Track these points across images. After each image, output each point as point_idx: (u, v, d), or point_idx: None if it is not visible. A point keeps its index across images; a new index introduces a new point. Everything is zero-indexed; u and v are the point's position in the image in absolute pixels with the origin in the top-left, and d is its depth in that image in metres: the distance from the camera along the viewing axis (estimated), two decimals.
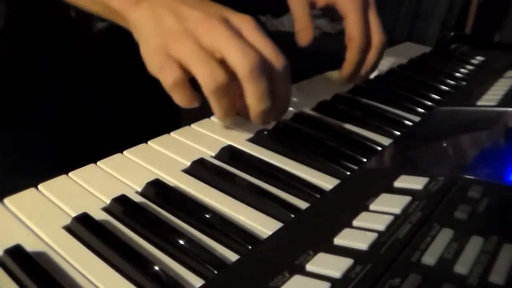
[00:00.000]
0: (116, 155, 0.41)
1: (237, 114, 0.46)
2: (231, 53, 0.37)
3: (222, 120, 0.44)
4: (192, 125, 0.47)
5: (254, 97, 0.39)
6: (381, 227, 0.29)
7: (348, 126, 0.50)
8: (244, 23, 0.39)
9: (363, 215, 0.31)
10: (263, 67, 0.38)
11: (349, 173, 0.40)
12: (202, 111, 0.44)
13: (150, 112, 0.69)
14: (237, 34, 0.38)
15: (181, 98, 0.40)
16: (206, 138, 0.45)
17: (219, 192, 0.37)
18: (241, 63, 0.37)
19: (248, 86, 0.39)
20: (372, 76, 0.66)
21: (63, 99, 0.64)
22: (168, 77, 0.39)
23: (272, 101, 0.40)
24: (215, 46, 0.38)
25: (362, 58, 0.55)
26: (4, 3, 0.54)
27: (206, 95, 0.39)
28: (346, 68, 0.56)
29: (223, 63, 0.38)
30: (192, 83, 0.40)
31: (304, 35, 0.56)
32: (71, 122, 0.68)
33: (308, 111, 0.53)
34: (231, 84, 0.38)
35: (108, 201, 0.35)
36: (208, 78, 0.38)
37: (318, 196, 0.36)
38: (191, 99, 0.40)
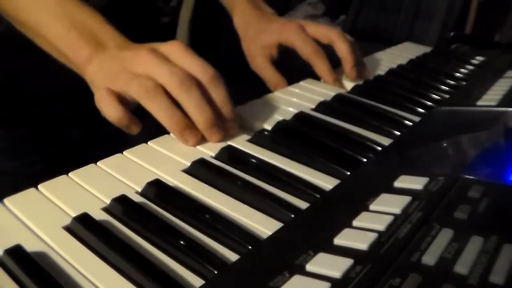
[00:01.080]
0: (116, 155, 0.41)
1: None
2: (160, 75, 0.41)
3: (177, 136, 0.43)
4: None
5: (192, 108, 0.41)
6: (381, 227, 0.29)
7: (348, 126, 0.50)
8: (171, 48, 0.43)
9: (363, 215, 0.31)
10: (191, 79, 0.41)
11: (349, 173, 0.40)
12: None
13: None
14: (164, 59, 0.42)
15: (107, 110, 0.42)
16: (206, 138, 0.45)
17: (219, 192, 0.37)
18: (170, 81, 0.41)
19: (183, 99, 0.41)
20: (371, 75, 0.66)
21: (61, 98, 0.64)
22: (97, 96, 0.43)
23: (212, 109, 0.42)
24: (147, 73, 0.41)
25: (327, 64, 0.60)
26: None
27: (143, 106, 0.41)
28: (327, 79, 0.61)
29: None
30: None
31: (280, 88, 0.61)
32: (69, 121, 0.68)
33: (308, 111, 0.53)
34: (161, 89, 0.41)
35: (108, 201, 0.35)
36: (138, 88, 0.41)
37: (318, 196, 0.36)
38: (118, 113, 0.41)
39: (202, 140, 0.44)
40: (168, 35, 0.73)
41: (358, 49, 0.63)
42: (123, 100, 0.42)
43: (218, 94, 0.43)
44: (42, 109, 0.64)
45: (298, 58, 0.61)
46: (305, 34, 0.61)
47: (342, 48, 0.61)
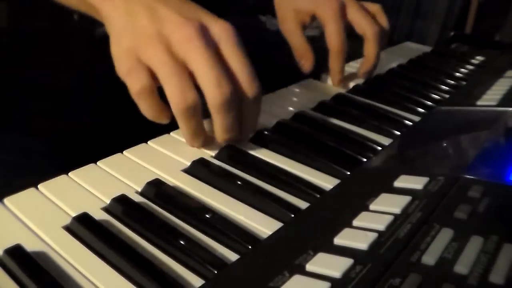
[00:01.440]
0: (116, 155, 0.41)
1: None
2: (204, 79, 0.36)
3: (189, 142, 0.42)
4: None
5: (220, 128, 0.39)
6: (381, 227, 0.29)
7: (348, 126, 0.50)
8: (223, 33, 0.37)
9: (363, 215, 0.31)
10: (234, 100, 0.37)
11: (349, 173, 0.40)
12: (203, 112, 0.44)
13: None
14: (213, 51, 0.36)
15: (147, 107, 0.38)
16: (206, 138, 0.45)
17: (219, 192, 0.37)
18: (213, 94, 0.36)
19: (216, 118, 0.38)
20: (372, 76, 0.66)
21: (64, 100, 0.64)
22: (135, 83, 0.36)
23: (238, 128, 0.40)
24: (188, 60, 0.36)
25: (343, 64, 0.58)
26: (5, 3, 0.54)
27: (174, 114, 0.37)
28: (333, 78, 0.60)
29: (193, 77, 0.37)
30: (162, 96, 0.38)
31: (304, 62, 0.59)
32: (72, 123, 0.68)
33: (308, 111, 0.53)
34: (199, 107, 0.37)
35: (108, 201, 0.35)
36: (178, 97, 0.36)
37: (318, 196, 0.36)
38: (157, 111, 0.38)
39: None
40: None
41: (380, 54, 0.61)
42: (150, 74, 0.36)
43: (252, 116, 0.40)
44: (47, 111, 0.64)
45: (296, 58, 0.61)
46: (341, 20, 0.56)
47: (372, 51, 0.59)
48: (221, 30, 0.37)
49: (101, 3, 0.38)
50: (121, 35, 0.37)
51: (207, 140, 0.42)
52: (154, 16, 0.36)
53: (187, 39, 0.35)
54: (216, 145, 0.42)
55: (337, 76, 0.59)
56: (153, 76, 0.36)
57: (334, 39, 0.57)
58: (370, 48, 0.59)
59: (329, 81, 0.63)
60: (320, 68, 0.66)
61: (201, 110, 0.37)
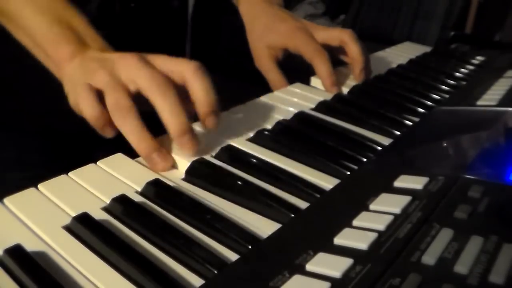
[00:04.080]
0: (116, 155, 0.41)
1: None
2: (141, 78, 0.40)
3: (142, 155, 0.41)
4: (192, 125, 0.47)
5: (165, 111, 0.40)
6: (381, 227, 0.29)
7: (348, 126, 0.50)
8: (157, 55, 0.43)
9: (363, 215, 0.31)
10: (168, 82, 0.40)
11: (349, 173, 0.40)
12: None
13: (152, 113, 0.69)
14: (148, 63, 0.41)
15: (85, 106, 0.41)
16: (206, 138, 0.45)
17: (219, 192, 0.37)
18: (149, 85, 0.40)
19: (157, 102, 0.40)
20: (371, 75, 0.66)
21: (64, 100, 0.64)
22: (78, 93, 0.41)
23: (187, 116, 0.41)
24: (129, 77, 0.41)
25: (331, 67, 0.60)
26: None
27: (113, 120, 0.40)
28: (325, 82, 0.60)
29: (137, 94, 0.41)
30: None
31: None
32: (72, 123, 0.68)
33: (308, 111, 0.53)
34: (134, 111, 0.40)
35: (108, 201, 0.35)
36: (112, 102, 0.40)
37: (318, 196, 0.36)
38: (95, 110, 0.40)
39: (172, 166, 0.41)
40: (177, 20, 0.72)
41: (366, 51, 0.63)
42: (102, 99, 0.41)
43: (201, 84, 0.42)
44: (48, 112, 0.64)
45: (298, 58, 0.61)
46: (314, 40, 0.60)
47: (355, 50, 0.61)
48: (156, 55, 0.43)
49: (63, 66, 0.44)
50: (76, 83, 0.42)
51: (166, 161, 0.41)
52: (101, 60, 0.43)
53: (126, 64, 0.42)
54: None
55: (328, 79, 0.60)
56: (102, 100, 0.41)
57: (308, 48, 0.60)
58: (352, 47, 0.61)
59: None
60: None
61: (137, 113, 0.40)
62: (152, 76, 0.40)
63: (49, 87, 0.63)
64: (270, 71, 0.64)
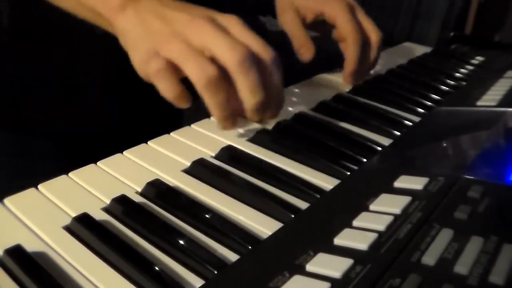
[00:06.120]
0: (116, 155, 0.41)
1: (235, 115, 0.45)
2: (219, 48, 0.38)
3: (221, 123, 0.42)
4: (192, 125, 0.47)
5: (246, 89, 0.39)
6: (381, 227, 0.29)
7: (348, 126, 0.50)
8: (230, 21, 0.39)
9: (363, 215, 0.31)
10: (252, 59, 0.38)
11: (349, 173, 0.40)
12: (203, 112, 0.44)
13: (153, 113, 0.69)
14: (224, 31, 0.38)
15: (165, 87, 0.39)
16: (206, 138, 0.45)
17: (219, 192, 0.37)
18: (230, 56, 0.37)
19: (239, 78, 0.38)
20: (371, 76, 0.66)
21: (65, 100, 0.64)
22: (153, 65, 0.38)
23: (265, 94, 0.40)
24: (204, 44, 0.38)
25: (362, 53, 0.56)
26: (7, 2, 0.54)
27: (199, 91, 0.39)
28: (348, 67, 0.57)
29: (213, 60, 0.38)
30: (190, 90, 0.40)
31: (304, 51, 0.58)
32: (73, 124, 0.68)
33: (308, 111, 0.53)
34: (223, 80, 0.38)
35: (108, 201, 0.35)
36: (199, 73, 0.37)
37: (318, 196, 0.36)
38: (176, 91, 0.39)
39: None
40: None
41: (375, 57, 0.60)
42: (175, 69, 0.38)
43: (274, 81, 0.41)
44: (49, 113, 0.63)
45: (298, 58, 0.61)
46: (352, 14, 0.56)
47: (373, 57, 0.58)
48: (227, 19, 0.39)
49: (115, 18, 0.40)
50: (138, 43, 0.39)
51: (237, 121, 0.42)
52: (165, 19, 0.38)
53: (199, 29, 0.38)
54: (248, 130, 0.44)
55: (352, 65, 0.56)
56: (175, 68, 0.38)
57: (349, 27, 0.55)
58: (373, 53, 0.58)
59: (331, 79, 0.63)
60: (320, 68, 0.66)
61: (224, 84, 0.38)
62: (233, 48, 0.37)
63: (51, 88, 0.63)
64: (293, 24, 0.58)
